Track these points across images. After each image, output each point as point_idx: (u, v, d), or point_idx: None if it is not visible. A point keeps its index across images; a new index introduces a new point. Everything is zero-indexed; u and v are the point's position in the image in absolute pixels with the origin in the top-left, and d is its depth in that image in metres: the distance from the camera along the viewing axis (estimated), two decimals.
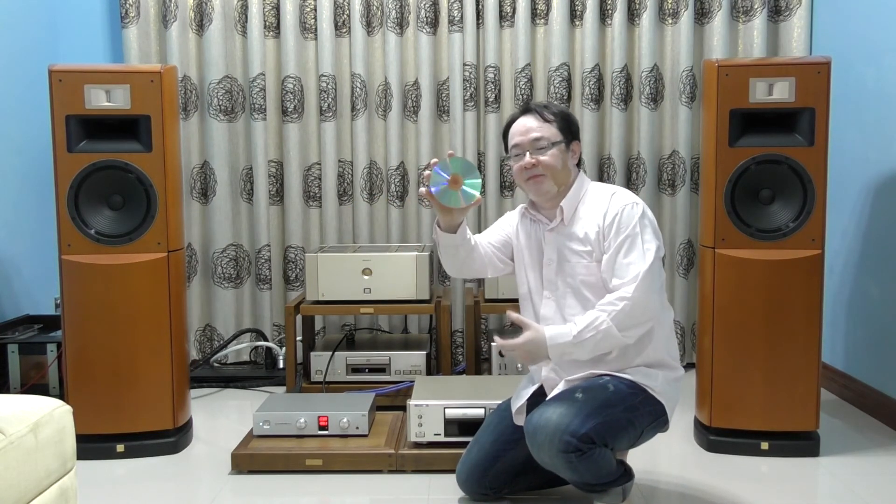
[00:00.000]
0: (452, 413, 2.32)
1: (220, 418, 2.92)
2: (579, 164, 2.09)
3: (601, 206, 1.98)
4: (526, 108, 2.07)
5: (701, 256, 2.55)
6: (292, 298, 3.41)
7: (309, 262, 3.00)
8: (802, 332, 2.40)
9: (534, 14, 3.40)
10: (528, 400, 2.06)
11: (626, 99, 3.40)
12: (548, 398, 1.98)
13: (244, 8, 3.41)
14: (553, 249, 2.03)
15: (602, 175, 3.44)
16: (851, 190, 2.97)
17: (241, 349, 3.50)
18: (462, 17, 3.35)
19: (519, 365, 2.99)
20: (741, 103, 2.38)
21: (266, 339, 3.48)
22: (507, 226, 2.19)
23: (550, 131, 2.01)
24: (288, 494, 2.20)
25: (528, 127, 2.01)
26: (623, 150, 3.41)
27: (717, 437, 2.48)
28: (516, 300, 2.18)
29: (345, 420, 2.42)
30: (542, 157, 1.98)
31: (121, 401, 2.44)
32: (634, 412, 1.92)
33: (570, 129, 2.05)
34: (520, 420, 2.03)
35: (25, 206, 3.20)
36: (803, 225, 2.38)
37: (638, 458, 2.34)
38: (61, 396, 2.56)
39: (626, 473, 1.99)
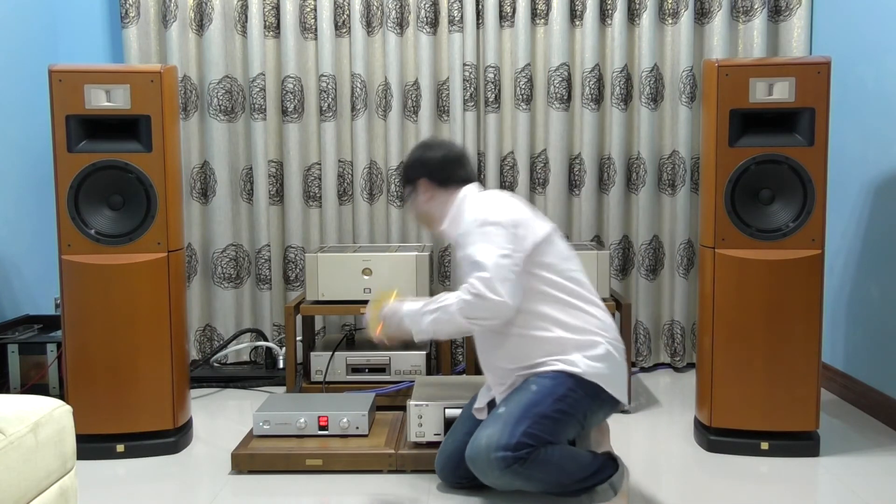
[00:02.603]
0: (452, 413, 2.32)
1: (220, 418, 2.92)
2: (448, 183, 2.15)
3: (460, 224, 2.09)
4: None
5: (701, 256, 2.55)
6: (292, 298, 3.41)
7: (309, 262, 3.00)
8: (802, 333, 2.40)
9: (534, 14, 3.40)
10: (488, 404, 2.15)
11: (626, 99, 3.40)
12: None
13: (244, 8, 3.41)
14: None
15: (602, 175, 3.44)
16: (851, 190, 2.97)
17: (241, 349, 3.51)
18: (462, 17, 3.35)
19: None
20: (741, 103, 2.38)
21: (266, 339, 3.48)
22: None
23: (404, 190, 2.25)
24: (288, 494, 2.20)
25: None
26: (623, 150, 3.41)
27: (717, 437, 2.48)
28: None
29: (345, 420, 2.42)
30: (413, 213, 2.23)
31: (121, 401, 2.44)
32: (565, 401, 1.92)
33: (407, 176, 2.21)
34: (480, 416, 2.14)
35: (25, 205, 3.20)
36: (803, 225, 2.38)
37: (638, 458, 2.34)
38: (61, 396, 2.57)
39: (609, 465, 1.98)
